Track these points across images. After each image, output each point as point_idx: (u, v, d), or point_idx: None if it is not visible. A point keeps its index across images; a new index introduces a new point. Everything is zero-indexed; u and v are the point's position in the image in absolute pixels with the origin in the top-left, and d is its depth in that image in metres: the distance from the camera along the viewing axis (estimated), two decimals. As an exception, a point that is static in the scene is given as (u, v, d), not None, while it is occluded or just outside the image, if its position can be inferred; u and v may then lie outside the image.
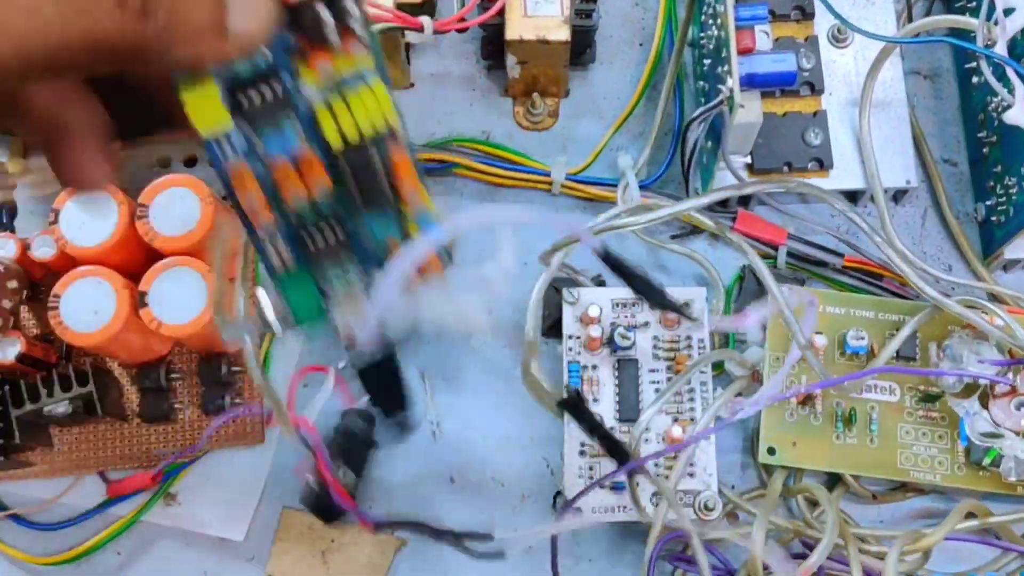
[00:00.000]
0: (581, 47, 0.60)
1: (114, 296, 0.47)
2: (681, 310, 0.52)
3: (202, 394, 0.52)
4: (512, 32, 0.55)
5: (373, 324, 0.32)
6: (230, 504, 0.53)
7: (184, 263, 0.49)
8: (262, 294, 0.32)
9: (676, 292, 0.54)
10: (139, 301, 0.47)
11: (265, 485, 0.54)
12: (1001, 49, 0.52)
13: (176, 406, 0.53)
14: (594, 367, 0.53)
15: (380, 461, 0.47)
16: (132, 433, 0.53)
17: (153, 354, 0.51)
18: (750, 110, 0.51)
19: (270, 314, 0.32)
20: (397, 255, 0.31)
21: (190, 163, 0.58)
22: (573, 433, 0.51)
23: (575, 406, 0.48)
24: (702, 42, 0.59)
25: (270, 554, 0.53)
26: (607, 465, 0.50)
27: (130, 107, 0.32)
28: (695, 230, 0.58)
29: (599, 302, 0.54)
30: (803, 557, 0.50)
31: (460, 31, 0.58)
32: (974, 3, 0.57)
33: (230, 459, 0.54)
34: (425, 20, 0.55)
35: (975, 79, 0.59)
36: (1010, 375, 0.50)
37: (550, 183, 0.58)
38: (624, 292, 0.54)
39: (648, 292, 0.42)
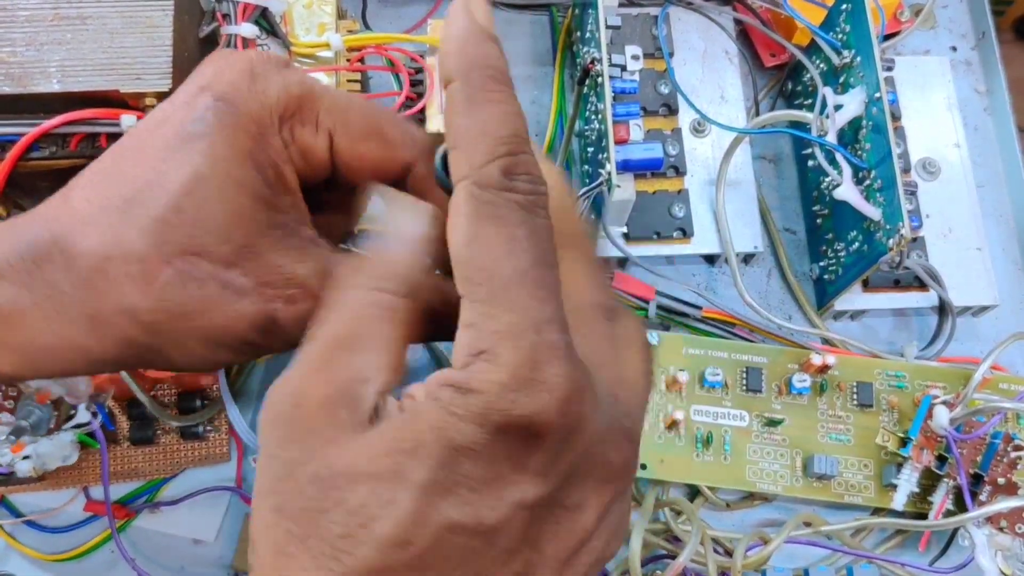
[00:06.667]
0: (488, 138, 0.65)
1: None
2: None
3: (180, 422, 0.56)
4: (431, 125, 0.57)
5: None
6: (203, 511, 0.57)
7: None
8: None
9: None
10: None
11: (231, 495, 0.57)
12: (832, 138, 0.57)
13: (158, 432, 0.56)
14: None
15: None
16: (122, 453, 0.56)
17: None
18: (625, 189, 0.55)
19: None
20: None
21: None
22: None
23: None
24: (586, 134, 0.63)
25: (236, 551, 0.56)
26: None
27: None
28: (581, 287, 0.63)
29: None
30: (667, 557, 0.55)
31: (391, 125, 0.61)
32: (810, 100, 0.62)
33: (202, 475, 0.58)
34: (372, 120, 0.59)
35: (810, 162, 0.62)
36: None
37: (464, 247, 0.62)
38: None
39: None
